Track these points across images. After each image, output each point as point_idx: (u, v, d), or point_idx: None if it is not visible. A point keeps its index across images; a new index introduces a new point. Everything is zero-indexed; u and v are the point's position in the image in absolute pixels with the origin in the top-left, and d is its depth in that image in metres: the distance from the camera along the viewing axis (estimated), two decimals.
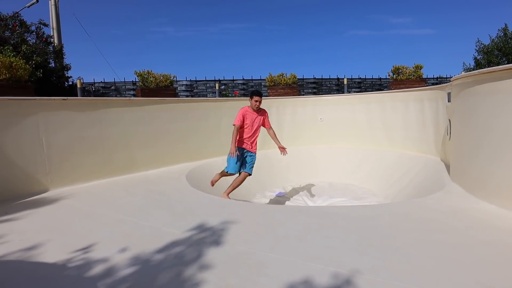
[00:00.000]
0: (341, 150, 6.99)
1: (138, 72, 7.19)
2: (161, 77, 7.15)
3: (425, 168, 5.10)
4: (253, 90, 4.81)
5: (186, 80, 11.18)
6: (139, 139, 5.21)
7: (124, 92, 10.67)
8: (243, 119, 4.39)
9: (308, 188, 6.23)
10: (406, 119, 6.02)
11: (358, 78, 12.47)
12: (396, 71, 7.63)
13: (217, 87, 8.08)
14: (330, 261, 2.08)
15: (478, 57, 14.68)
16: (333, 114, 7.14)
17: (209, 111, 6.26)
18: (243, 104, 6.80)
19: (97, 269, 2.04)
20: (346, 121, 7.01)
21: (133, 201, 3.63)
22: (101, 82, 10.63)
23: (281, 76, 8.06)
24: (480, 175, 3.21)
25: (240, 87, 11.58)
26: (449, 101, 4.70)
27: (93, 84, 10.26)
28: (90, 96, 10.18)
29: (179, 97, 10.28)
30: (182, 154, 5.86)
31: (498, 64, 13.09)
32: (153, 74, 7.14)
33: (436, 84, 12.56)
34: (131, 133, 5.09)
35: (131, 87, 10.72)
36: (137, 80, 9.93)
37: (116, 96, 10.60)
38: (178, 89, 11.03)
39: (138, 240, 2.50)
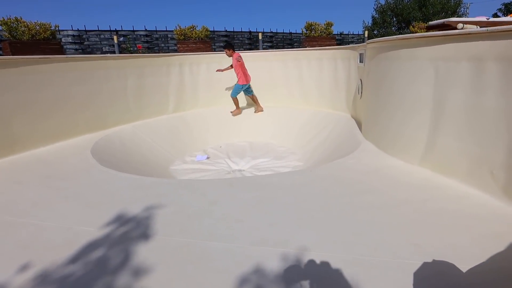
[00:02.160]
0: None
1: (2, 19, 5.46)
2: (37, 27, 5.62)
3: (339, 125, 5.46)
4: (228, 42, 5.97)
5: (72, 30, 9.22)
6: (21, 110, 4.11)
7: None
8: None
9: (229, 150, 6.11)
10: (321, 77, 6.24)
11: (270, 32, 12.33)
12: (309, 27, 7.70)
13: (115, 40, 6.90)
14: (276, 242, 2.00)
15: (375, 16, 16.05)
16: (250, 72, 6.93)
17: (111, 71, 5.31)
18: (152, 61, 6.00)
19: None
20: (263, 79, 6.91)
21: (26, 193, 2.89)
22: None
23: (191, 29, 7.30)
24: (393, 135, 3.53)
25: (143, 39, 10.19)
26: (360, 61, 4.96)
27: None
28: None
29: (65, 52, 8.48)
30: (82, 125, 4.94)
31: (390, 24, 14.60)
32: (24, 22, 5.54)
33: (340, 40, 13.38)
34: (6, 104, 3.97)
35: None
36: None
37: None
38: (63, 40, 9.07)
39: (42, 249, 1.98)
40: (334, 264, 1.77)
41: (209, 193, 2.77)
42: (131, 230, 2.16)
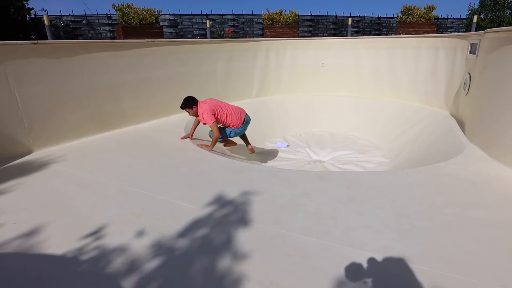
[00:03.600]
0: (343, 98, 6.66)
1: (117, 6, 6.14)
2: (144, 12, 6.18)
3: (434, 122, 4.92)
4: (186, 100, 4.14)
5: (169, 14, 9.93)
6: (128, 88, 4.61)
7: (99, 28, 9.41)
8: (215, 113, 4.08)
9: (309, 139, 6.03)
10: (416, 68, 5.66)
11: (357, 17, 11.57)
12: (406, 11, 6.98)
13: (207, 24, 7.21)
14: (374, 246, 1.90)
15: None
16: (336, 60, 6.63)
17: (204, 54, 5.59)
18: (241, 46, 6.13)
19: (117, 263, 1.77)
20: (350, 68, 6.56)
21: (134, 165, 3.26)
22: (70, 15, 9.23)
23: (279, 14, 7.23)
24: (510, 141, 3.04)
25: (229, 23, 10.50)
26: (472, 52, 4.33)
27: (60, 17, 8.90)
28: (59, 33, 8.92)
29: (164, 35, 9.22)
30: (177, 105, 5.33)
31: (503, 6, 12.34)
32: (134, 8, 6.14)
33: (437, 26, 11.93)
34: (119, 82, 4.48)
35: (106, 21, 9.43)
36: (112, 13, 8.72)
37: (89, 33, 9.37)
38: (161, 23, 9.85)
39: (153, 220, 2.22)
40: (444, 284, 1.61)
41: (299, 184, 2.76)
42: (230, 213, 2.27)
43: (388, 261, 1.78)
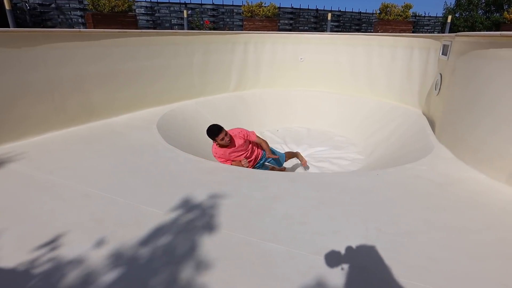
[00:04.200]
0: (321, 94, 6.67)
1: None
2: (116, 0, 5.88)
3: (408, 121, 5.02)
4: (210, 129, 3.46)
5: (145, 1, 9.54)
6: (97, 81, 4.39)
7: (69, 13, 8.91)
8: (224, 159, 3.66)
9: (286, 135, 6.01)
10: (392, 67, 5.72)
11: (338, 11, 11.56)
12: (384, 9, 7.02)
13: (185, 14, 6.97)
14: (341, 254, 1.90)
15: None
16: (315, 55, 6.61)
17: (179, 46, 5.41)
18: (218, 39, 5.97)
19: (72, 277, 1.68)
20: (328, 63, 6.55)
21: (100, 164, 3.12)
22: None
23: (259, 7, 7.09)
24: (476, 143, 3.12)
25: (209, 13, 10.22)
26: (444, 54, 4.41)
27: (26, 0, 8.35)
28: (25, 17, 8.38)
29: (139, 24, 8.84)
30: (149, 98, 5.17)
31: (477, 6, 12.68)
32: None
33: (414, 23, 12.13)
34: (87, 74, 4.25)
35: (77, 6, 8.94)
36: None
37: (59, 17, 8.86)
38: (137, 11, 9.45)
39: (114, 226, 2.12)
40: None
41: (270, 186, 2.73)
42: (196, 218, 2.21)
43: (352, 268, 1.79)
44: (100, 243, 1.94)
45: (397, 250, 1.95)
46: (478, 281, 1.72)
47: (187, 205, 2.38)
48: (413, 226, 2.20)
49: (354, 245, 1.98)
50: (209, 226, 2.12)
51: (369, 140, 5.38)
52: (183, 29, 7.69)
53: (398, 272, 1.76)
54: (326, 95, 6.63)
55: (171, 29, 9.87)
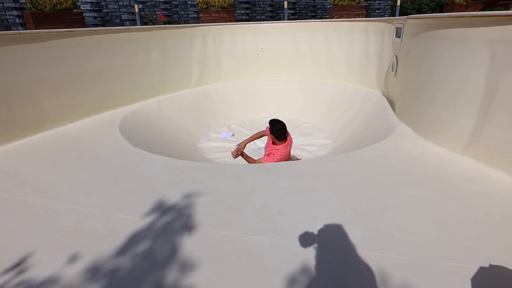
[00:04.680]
0: (285, 83, 6.74)
1: None
2: None
3: (369, 102, 5.23)
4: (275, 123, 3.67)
5: None
6: (48, 86, 4.07)
7: (4, 13, 8.11)
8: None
9: (254, 126, 6.01)
10: (351, 51, 5.90)
11: None
12: None
13: (136, 9, 6.64)
14: (322, 239, 1.95)
15: None
16: (275, 44, 6.63)
17: (135, 44, 5.15)
18: (175, 33, 5.75)
19: None
20: (289, 52, 6.61)
21: (62, 175, 2.91)
22: None
23: None
24: (432, 119, 3.33)
25: (161, 6, 9.81)
26: (397, 36, 4.62)
27: None
28: None
29: (87, 22, 8.27)
30: (108, 100, 4.90)
31: None
32: None
33: (365, 8, 12.53)
34: (36, 80, 3.92)
35: (13, 5, 8.14)
36: None
37: None
38: (82, 8, 8.82)
39: (88, 239, 2.00)
40: (385, 266, 1.70)
41: (246, 180, 2.72)
42: (174, 220, 2.15)
43: (335, 250, 1.84)
44: (74, 258, 1.82)
45: (374, 228, 2.04)
46: (448, 247, 1.85)
47: (162, 208, 2.30)
48: (385, 203, 2.31)
49: (333, 228, 2.04)
50: (188, 227, 2.08)
51: (335, 125, 5.55)
52: (135, 25, 7.32)
53: (377, 248, 1.84)
54: (290, 84, 6.71)
55: (123, 26, 9.37)
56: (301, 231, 2.01)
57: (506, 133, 2.63)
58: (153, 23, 8.30)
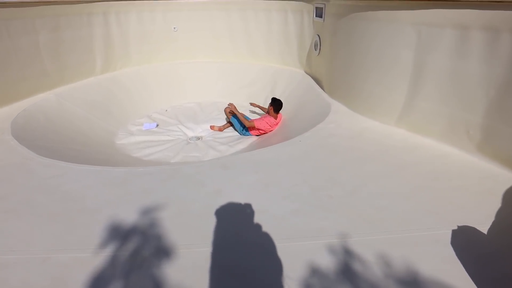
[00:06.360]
0: (203, 64, 6.31)
1: None
2: None
3: (294, 81, 5.32)
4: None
5: None
6: None
7: None
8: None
9: (178, 114, 5.52)
10: (269, 30, 5.83)
11: None
12: None
13: None
14: (312, 233, 1.86)
15: None
16: (189, 23, 6.09)
17: (14, 22, 3.99)
18: (68, 9, 4.68)
19: None
20: (205, 31, 6.17)
21: None
22: None
23: None
24: (366, 96, 3.55)
25: None
26: (317, 16, 4.71)
27: None
28: None
29: None
30: None
31: None
32: None
33: None
34: None
35: None
36: None
37: None
38: None
39: None
40: (386, 249, 1.71)
41: (205, 181, 2.41)
42: (140, 247, 1.74)
43: (334, 242, 1.77)
44: None
45: (354, 211, 2.04)
46: (421, 217, 1.98)
47: (118, 234, 1.85)
48: (353, 184, 2.36)
49: (316, 220, 1.97)
50: (163, 251, 1.72)
51: (264, 105, 5.49)
52: None
53: (369, 232, 1.85)
54: (209, 65, 6.32)
55: None
56: (286, 227, 1.88)
57: (432, 105, 2.96)
58: None
